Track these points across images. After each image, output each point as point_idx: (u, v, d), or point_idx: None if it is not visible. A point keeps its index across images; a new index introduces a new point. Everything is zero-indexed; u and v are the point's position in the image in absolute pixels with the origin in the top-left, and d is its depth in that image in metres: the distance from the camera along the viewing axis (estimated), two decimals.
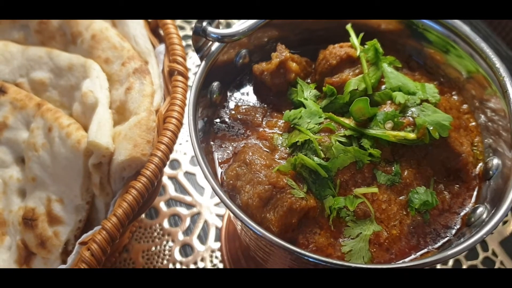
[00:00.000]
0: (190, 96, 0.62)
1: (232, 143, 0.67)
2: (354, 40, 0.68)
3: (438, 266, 0.93)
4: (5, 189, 0.83)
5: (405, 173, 0.62)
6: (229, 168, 0.63)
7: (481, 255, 0.95)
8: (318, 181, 0.61)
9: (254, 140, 0.67)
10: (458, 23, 0.68)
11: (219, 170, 0.65)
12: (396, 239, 0.60)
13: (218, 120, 0.69)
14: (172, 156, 1.04)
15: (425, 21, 0.70)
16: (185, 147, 1.05)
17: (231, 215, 0.63)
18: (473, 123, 0.69)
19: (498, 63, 0.63)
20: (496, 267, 0.93)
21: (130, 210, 0.64)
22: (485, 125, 0.68)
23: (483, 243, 0.96)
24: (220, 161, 0.66)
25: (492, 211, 0.56)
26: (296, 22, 0.75)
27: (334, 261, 0.53)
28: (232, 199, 0.61)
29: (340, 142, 0.61)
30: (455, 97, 0.71)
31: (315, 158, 0.61)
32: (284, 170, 0.61)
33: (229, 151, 0.66)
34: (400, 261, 0.59)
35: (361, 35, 0.69)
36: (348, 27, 0.70)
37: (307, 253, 0.53)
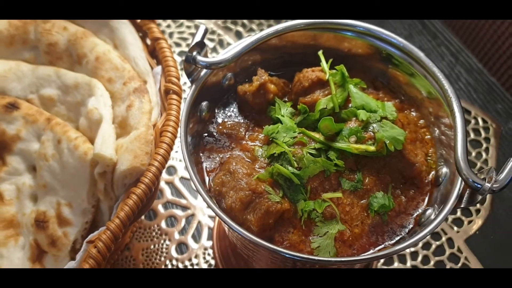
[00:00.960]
0: (182, 114, 0.72)
1: (219, 154, 0.77)
2: (324, 65, 0.78)
3: (397, 265, 1.04)
4: (18, 195, 0.92)
5: (366, 180, 0.72)
6: (215, 176, 0.73)
7: (448, 251, 1.05)
8: (292, 187, 0.71)
9: (238, 151, 0.77)
10: (415, 49, 0.78)
11: (207, 178, 0.75)
12: (358, 237, 0.70)
13: (206, 134, 0.79)
14: (168, 163, 1.14)
15: (387, 47, 0.80)
16: (180, 155, 1.15)
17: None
18: (428, 136, 0.79)
19: (446, 85, 0.73)
20: (460, 262, 1.03)
21: (131, 212, 0.74)
22: (438, 138, 0.78)
23: (449, 241, 1.06)
24: (208, 170, 0.76)
25: (437, 212, 0.67)
26: (277, 46, 0.84)
27: (304, 256, 0.63)
28: (218, 203, 0.71)
29: (310, 154, 0.71)
30: (413, 113, 0.81)
31: (289, 168, 0.70)
32: (263, 178, 0.71)
33: (216, 161, 0.76)
34: (361, 255, 0.69)
35: (330, 60, 0.79)
36: (320, 53, 0.80)
37: (280, 249, 0.62)
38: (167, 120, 0.82)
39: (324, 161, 0.70)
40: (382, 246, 0.70)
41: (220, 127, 0.79)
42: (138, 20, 0.98)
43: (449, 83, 0.74)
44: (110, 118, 0.85)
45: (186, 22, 1.39)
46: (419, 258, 1.04)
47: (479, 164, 1.16)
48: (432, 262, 1.03)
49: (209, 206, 0.65)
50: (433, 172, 0.75)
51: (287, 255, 0.62)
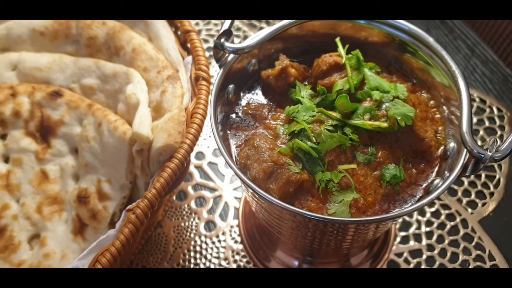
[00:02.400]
0: (211, 95, 0.80)
1: (244, 132, 0.85)
2: (341, 50, 0.86)
3: (413, 243, 1.09)
4: (62, 174, 1.01)
5: (379, 153, 0.78)
6: (241, 151, 0.81)
7: (462, 231, 1.10)
8: (310, 160, 0.78)
9: (261, 129, 0.84)
10: (424, 35, 0.84)
11: (234, 153, 0.83)
12: (371, 204, 0.76)
13: (233, 115, 0.87)
14: (197, 149, 1.22)
15: (400, 34, 0.87)
16: (208, 142, 1.24)
17: (243, 187, 0.81)
18: (438, 115, 0.85)
19: (454, 66, 0.79)
20: (474, 242, 1.09)
21: (165, 184, 0.82)
22: (448, 117, 0.84)
23: (463, 221, 1.11)
24: (234, 146, 0.83)
25: (443, 182, 0.73)
26: (298, 35, 0.91)
27: (324, 216, 0.69)
28: (243, 175, 0.79)
29: (328, 130, 0.78)
30: (424, 95, 0.87)
31: (308, 143, 0.77)
32: (284, 152, 0.78)
33: (241, 139, 0.84)
34: (373, 216, 0.75)
35: (347, 46, 0.86)
36: (337, 40, 0.87)
37: (302, 211, 0.69)
38: (197, 103, 0.90)
39: (340, 136, 0.77)
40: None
41: (245, 108, 0.87)
42: None
43: (455, 64, 0.80)
44: (147, 102, 0.94)
45: (213, 20, 1.48)
46: (434, 237, 1.09)
47: None
48: (446, 241, 1.09)
49: (236, 174, 0.73)
50: (442, 147, 0.81)
51: (308, 216, 0.69)
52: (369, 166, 0.78)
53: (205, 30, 1.46)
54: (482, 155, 0.69)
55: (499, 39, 1.50)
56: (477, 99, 1.30)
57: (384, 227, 0.84)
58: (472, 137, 0.71)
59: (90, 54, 1.07)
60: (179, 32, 1.07)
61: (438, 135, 0.83)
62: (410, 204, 0.77)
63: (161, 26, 1.05)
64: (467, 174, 0.72)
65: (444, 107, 0.85)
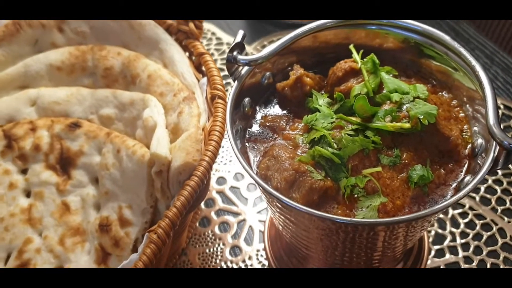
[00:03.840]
0: (227, 107, 0.79)
1: (263, 144, 0.83)
2: (355, 55, 0.84)
3: (449, 256, 1.04)
4: (83, 205, 1.00)
5: (404, 155, 0.75)
6: (261, 163, 0.79)
7: (500, 241, 1.05)
8: (333, 167, 0.75)
9: (280, 140, 0.82)
10: (438, 33, 0.83)
11: (253, 166, 0.81)
12: (400, 208, 0.73)
13: (251, 128, 0.86)
14: (218, 174, 1.21)
15: (413, 35, 0.86)
16: (229, 167, 1.22)
17: (266, 200, 0.78)
18: (462, 114, 0.82)
19: (473, 61, 0.77)
20: None
21: (186, 202, 0.80)
22: (472, 115, 0.81)
23: (501, 231, 1.06)
24: (254, 158, 0.82)
25: (475, 176, 0.69)
26: (311, 47, 0.91)
27: (353, 219, 0.66)
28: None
29: (348, 134, 0.76)
30: (446, 95, 0.85)
31: (329, 149, 0.75)
32: (305, 160, 0.76)
33: (260, 151, 0.82)
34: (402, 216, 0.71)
35: (361, 51, 0.85)
36: (351, 46, 0.86)
37: (331, 215, 0.66)
38: (214, 120, 0.89)
39: (362, 140, 0.75)
40: None
41: (263, 120, 0.86)
42: (184, 40, 1.07)
43: (475, 59, 0.78)
44: (164, 124, 0.93)
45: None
46: (471, 249, 1.04)
47: None
48: (484, 252, 1.03)
49: (257, 183, 0.71)
50: (469, 146, 0.78)
51: (337, 220, 0.66)
52: (395, 168, 0.75)
53: (220, 60, 1.47)
54: None
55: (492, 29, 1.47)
56: (502, 106, 1.27)
57: (416, 234, 0.80)
58: (501, 128, 0.68)
59: (107, 85, 1.08)
60: (193, 57, 1.08)
61: (464, 133, 0.80)
62: (440, 205, 0.73)
63: (175, 52, 1.06)
64: (499, 167, 0.69)
65: (468, 106, 0.82)
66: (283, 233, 0.90)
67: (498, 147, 0.69)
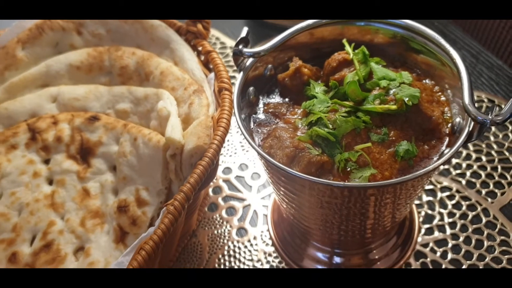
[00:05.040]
0: (234, 95, 0.89)
1: (266, 128, 0.92)
2: (348, 48, 0.95)
3: (438, 234, 1.13)
4: (102, 190, 1.08)
5: (392, 133, 0.85)
6: (264, 142, 0.89)
7: (484, 219, 1.14)
8: (329, 144, 0.84)
9: (281, 124, 0.92)
10: (421, 27, 0.93)
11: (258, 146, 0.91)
12: (388, 178, 0.81)
13: (255, 115, 0.96)
14: (224, 165, 1.31)
15: (400, 30, 0.96)
16: (234, 158, 1.32)
17: (268, 176, 0.88)
18: (444, 98, 0.92)
19: (451, 50, 0.87)
20: (497, 228, 1.12)
21: (199, 179, 0.90)
22: (452, 99, 0.91)
23: (485, 210, 1.15)
24: (258, 140, 0.91)
25: (452, 146, 0.79)
26: (308, 43, 1.01)
27: (345, 183, 0.76)
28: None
29: (342, 116, 0.86)
30: (429, 82, 0.95)
31: (325, 129, 0.85)
32: (304, 140, 0.85)
33: (264, 133, 0.92)
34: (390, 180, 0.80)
35: (353, 44, 0.95)
36: (344, 41, 0.96)
37: (329, 181, 0.76)
38: (222, 109, 0.99)
39: (354, 120, 0.84)
40: None
41: (265, 107, 0.96)
42: (193, 40, 1.18)
43: (452, 47, 0.88)
44: (176, 113, 1.03)
45: (231, 61, 1.60)
46: (458, 227, 1.13)
47: (506, 144, 1.27)
48: (470, 229, 1.12)
49: (260, 155, 0.80)
50: (449, 125, 0.88)
51: (334, 185, 0.75)
52: (383, 144, 0.84)
53: (224, 61, 1.58)
54: (485, 120, 0.76)
55: (502, 45, 1.58)
56: (486, 100, 1.37)
57: (403, 203, 0.89)
58: (475, 106, 0.78)
59: (123, 82, 1.18)
60: (201, 56, 1.18)
61: (445, 114, 0.89)
62: None
63: (185, 51, 1.17)
64: (473, 139, 0.78)
65: (449, 91, 0.92)
66: (284, 207, 0.99)
67: (472, 123, 0.79)
